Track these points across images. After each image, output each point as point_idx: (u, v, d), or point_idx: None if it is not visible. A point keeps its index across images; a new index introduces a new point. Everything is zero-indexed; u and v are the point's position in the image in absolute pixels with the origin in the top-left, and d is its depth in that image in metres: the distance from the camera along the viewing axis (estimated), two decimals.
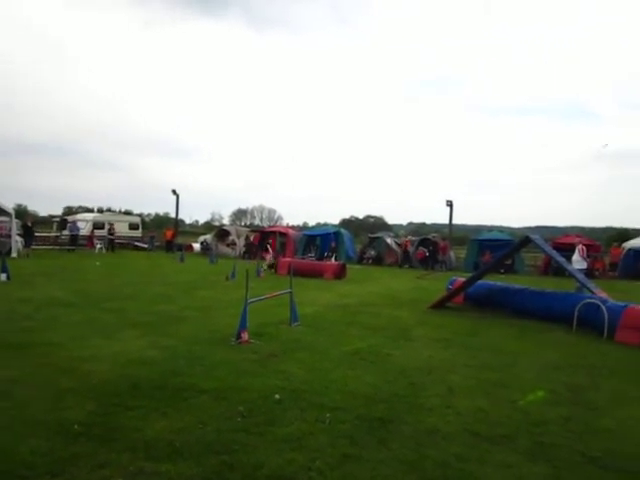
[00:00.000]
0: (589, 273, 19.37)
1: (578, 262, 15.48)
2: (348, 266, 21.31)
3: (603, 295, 10.05)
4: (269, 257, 23.75)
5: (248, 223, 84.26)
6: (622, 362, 7.28)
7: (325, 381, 5.66)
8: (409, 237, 30.85)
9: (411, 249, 29.11)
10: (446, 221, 30.80)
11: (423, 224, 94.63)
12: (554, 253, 12.30)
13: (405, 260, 28.15)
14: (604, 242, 36.48)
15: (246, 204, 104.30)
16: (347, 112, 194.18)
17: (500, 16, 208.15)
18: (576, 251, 15.92)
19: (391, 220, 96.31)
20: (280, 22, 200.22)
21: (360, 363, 6.59)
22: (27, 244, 24.64)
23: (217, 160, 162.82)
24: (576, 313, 9.41)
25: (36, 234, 27.32)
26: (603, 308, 9.00)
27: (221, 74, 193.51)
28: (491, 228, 47.86)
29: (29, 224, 25.82)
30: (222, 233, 33.70)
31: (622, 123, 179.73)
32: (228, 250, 31.23)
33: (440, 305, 11.85)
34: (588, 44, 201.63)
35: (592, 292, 10.28)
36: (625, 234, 46.77)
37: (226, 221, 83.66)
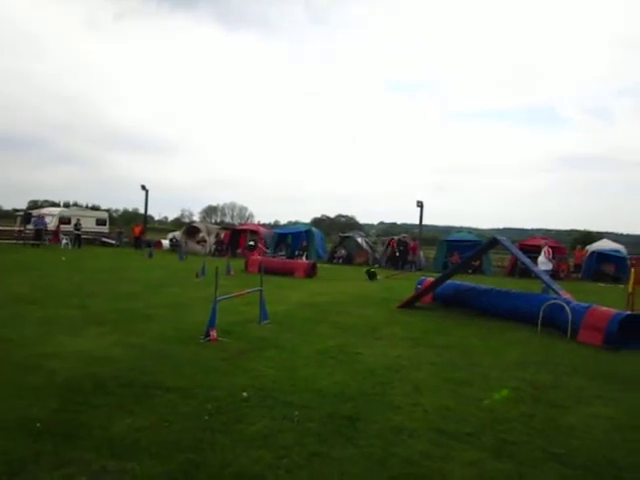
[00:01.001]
0: (554, 274, 19.84)
1: (544, 263, 15.80)
2: (319, 265, 21.35)
3: (567, 296, 10.29)
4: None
5: (219, 220, 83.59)
6: (584, 361, 7.46)
7: (294, 379, 5.66)
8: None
9: (382, 249, 29.31)
10: (416, 221, 31.11)
11: (394, 224, 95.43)
12: (520, 254, 12.56)
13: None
14: (568, 244, 37.45)
15: (217, 201, 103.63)
16: (320, 111, 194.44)
17: (468, 21, 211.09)
18: (542, 253, 16.24)
19: (362, 220, 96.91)
20: (251, 18, 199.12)
21: (329, 362, 6.60)
22: None
23: (188, 156, 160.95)
24: (541, 313, 9.61)
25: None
26: (567, 309, 9.20)
27: (192, 69, 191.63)
28: (460, 229, 48.58)
29: None
30: (192, 230, 33.36)
31: (587, 128, 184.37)
32: (198, 247, 30.94)
33: (409, 304, 11.96)
34: (553, 49, 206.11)
35: (557, 293, 10.52)
36: (588, 237, 48.10)
37: (196, 218, 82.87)
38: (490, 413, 4.93)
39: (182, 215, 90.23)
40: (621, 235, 65.09)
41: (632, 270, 12.23)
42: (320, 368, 6.24)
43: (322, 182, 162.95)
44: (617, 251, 27.18)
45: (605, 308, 9.26)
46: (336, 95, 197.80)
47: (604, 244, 29.32)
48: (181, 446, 3.78)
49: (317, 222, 75.18)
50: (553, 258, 18.16)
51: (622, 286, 18.75)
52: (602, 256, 26.81)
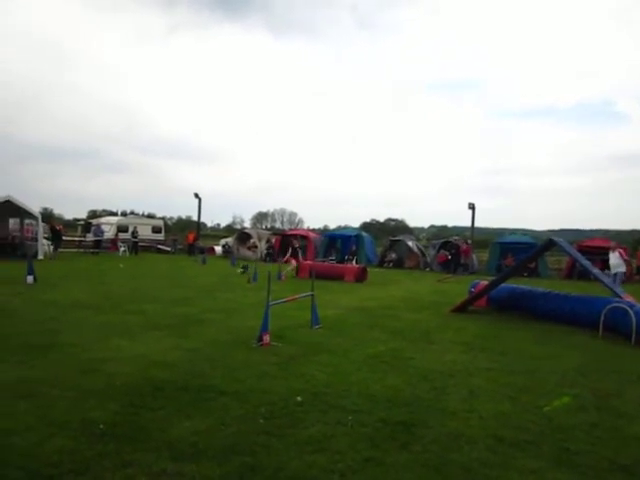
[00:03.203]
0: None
1: (618, 266, 15.35)
2: (369, 269, 21.25)
3: (630, 299, 9.86)
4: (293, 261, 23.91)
5: (269, 226, 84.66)
6: None
7: (346, 384, 5.64)
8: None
9: (432, 252, 28.90)
10: (468, 224, 30.50)
11: (444, 227, 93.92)
12: (579, 256, 12.11)
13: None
14: (630, 245, 35.78)
15: (267, 207, 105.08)
16: (369, 115, 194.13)
17: (511, 18, 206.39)
18: (615, 254, 15.78)
19: (412, 223, 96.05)
20: (301, 27, 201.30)
21: (381, 366, 6.55)
22: (55, 247, 25.12)
23: (239, 163, 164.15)
24: (602, 317, 9.24)
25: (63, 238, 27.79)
26: (631, 313, 8.81)
27: (243, 79, 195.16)
28: (514, 231, 47.32)
29: (57, 228, 26.33)
30: (243, 236, 33.89)
31: None
32: (249, 253, 31.40)
33: (462, 308, 11.74)
34: (614, 42, 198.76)
35: (619, 296, 10.09)
36: None
37: (247, 224, 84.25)
38: (550, 421, 4.76)
39: (234, 222, 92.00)
40: None
41: None
42: (372, 373, 6.20)
43: (371, 186, 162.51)
44: None
45: None
46: (383, 97, 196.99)
47: None
48: (237, 449, 3.83)
49: (366, 226, 74.98)
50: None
51: None
52: None
